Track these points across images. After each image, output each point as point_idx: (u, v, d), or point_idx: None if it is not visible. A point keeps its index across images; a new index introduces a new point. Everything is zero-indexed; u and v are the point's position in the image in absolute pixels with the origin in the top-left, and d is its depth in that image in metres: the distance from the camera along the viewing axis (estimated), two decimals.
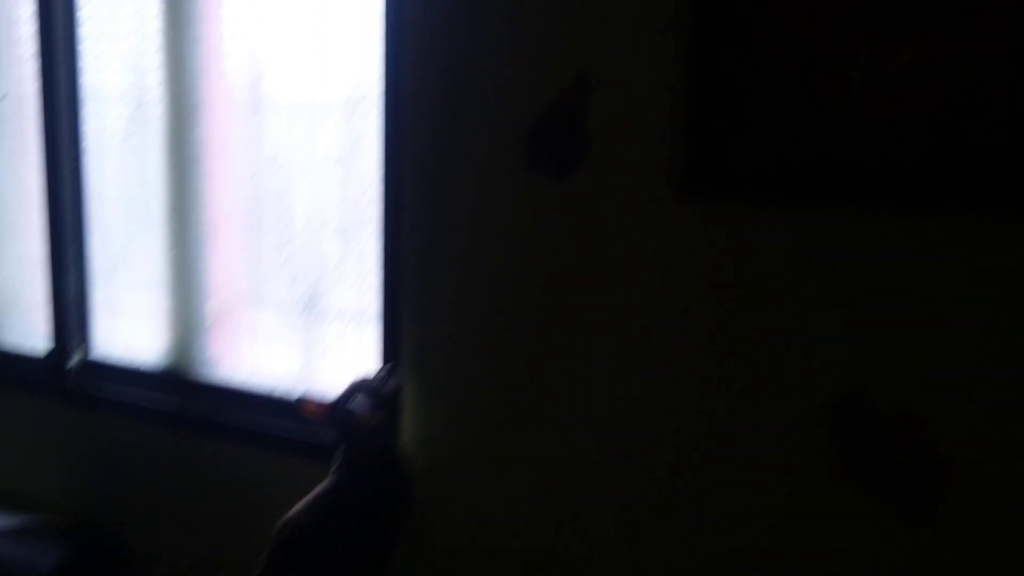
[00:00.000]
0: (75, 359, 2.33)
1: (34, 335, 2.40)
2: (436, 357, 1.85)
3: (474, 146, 1.73)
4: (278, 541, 1.74)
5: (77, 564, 2.19)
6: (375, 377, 1.82)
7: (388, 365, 1.87)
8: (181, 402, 2.19)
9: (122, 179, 2.27)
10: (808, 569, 1.54)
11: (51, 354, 2.34)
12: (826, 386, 1.49)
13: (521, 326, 1.75)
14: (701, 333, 1.58)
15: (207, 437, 2.13)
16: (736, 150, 1.51)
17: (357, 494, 1.77)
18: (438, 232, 1.80)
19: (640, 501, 1.68)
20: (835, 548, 1.52)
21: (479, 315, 1.79)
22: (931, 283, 1.39)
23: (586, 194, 1.64)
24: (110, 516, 2.31)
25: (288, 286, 2.12)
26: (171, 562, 2.24)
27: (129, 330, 2.31)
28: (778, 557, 1.56)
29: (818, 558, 1.53)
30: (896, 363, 1.43)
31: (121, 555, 2.28)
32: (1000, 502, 1.39)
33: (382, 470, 1.81)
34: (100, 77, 2.27)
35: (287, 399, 2.08)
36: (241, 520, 2.10)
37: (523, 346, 1.75)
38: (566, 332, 1.70)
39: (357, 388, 1.79)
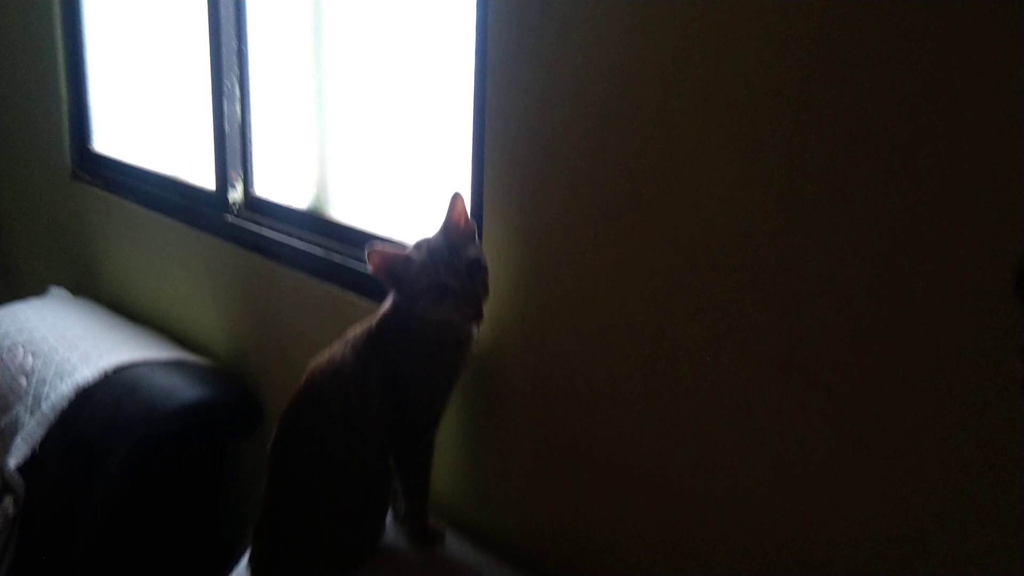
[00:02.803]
0: (236, 194, 2.20)
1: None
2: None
3: None
4: (305, 383, 1.46)
5: (212, 403, 2.08)
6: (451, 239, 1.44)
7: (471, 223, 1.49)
8: (322, 243, 1.97)
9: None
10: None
11: (217, 189, 2.23)
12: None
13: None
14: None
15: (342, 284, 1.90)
16: None
17: (391, 349, 1.45)
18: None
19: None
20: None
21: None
22: None
23: None
24: (253, 359, 2.18)
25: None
26: None
27: (284, 170, 2.15)
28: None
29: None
30: None
31: (256, 403, 2.15)
32: None
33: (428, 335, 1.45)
34: None
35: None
36: None
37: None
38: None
39: (424, 248, 1.45)
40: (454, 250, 1.41)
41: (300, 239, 2.01)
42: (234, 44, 2.15)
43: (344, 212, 2.00)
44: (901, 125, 1.02)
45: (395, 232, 1.83)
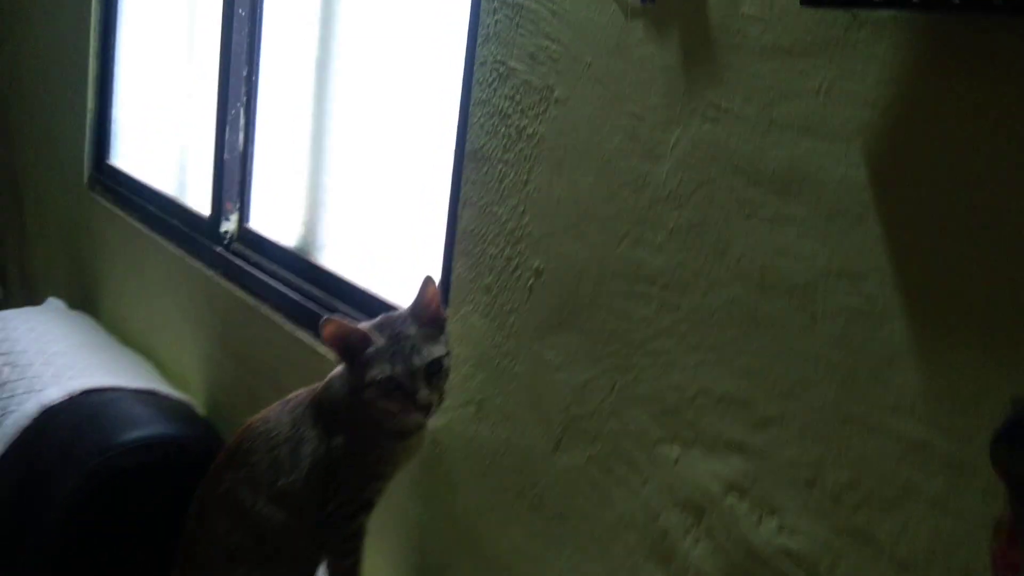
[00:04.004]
0: (230, 225, 2.12)
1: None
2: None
3: None
4: (236, 440, 1.37)
5: (173, 441, 1.99)
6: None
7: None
8: (303, 288, 1.88)
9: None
10: None
11: (211, 217, 2.15)
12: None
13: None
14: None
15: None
16: None
17: (330, 421, 1.35)
18: None
19: None
20: None
21: None
22: None
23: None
24: (224, 397, 2.11)
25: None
26: None
27: (280, 205, 2.07)
28: None
29: None
30: None
31: (221, 444, 2.05)
32: None
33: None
34: None
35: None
36: None
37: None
38: None
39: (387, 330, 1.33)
40: (417, 345, 1.29)
41: (283, 280, 1.92)
42: (244, 70, 2.08)
43: (333, 258, 1.91)
44: None
45: (378, 285, 1.74)
